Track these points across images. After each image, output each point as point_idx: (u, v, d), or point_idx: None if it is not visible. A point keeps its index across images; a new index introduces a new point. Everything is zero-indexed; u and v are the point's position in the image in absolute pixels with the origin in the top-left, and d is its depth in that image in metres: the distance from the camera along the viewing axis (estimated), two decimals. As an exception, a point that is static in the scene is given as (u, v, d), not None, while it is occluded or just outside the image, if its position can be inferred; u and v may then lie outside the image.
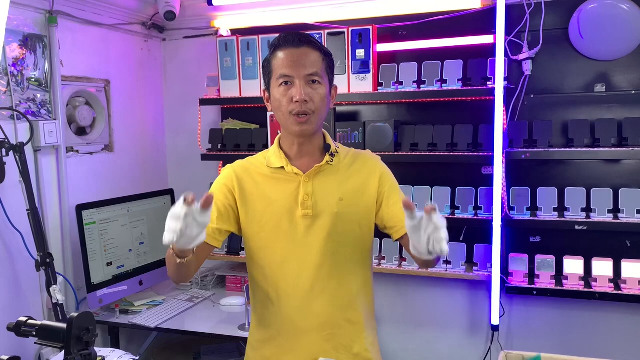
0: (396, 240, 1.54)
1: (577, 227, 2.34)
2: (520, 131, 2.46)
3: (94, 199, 2.58)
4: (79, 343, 1.13)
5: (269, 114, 2.77)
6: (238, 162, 1.59)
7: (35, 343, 1.20)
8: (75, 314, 1.13)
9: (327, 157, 1.51)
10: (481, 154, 2.45)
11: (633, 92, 2.40)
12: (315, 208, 1.48)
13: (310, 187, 1.49)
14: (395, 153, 2.57)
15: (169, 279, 2.95)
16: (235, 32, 2.91)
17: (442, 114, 2.64)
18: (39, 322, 1.20)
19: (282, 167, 1.51)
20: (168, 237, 1.17)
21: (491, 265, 2.43)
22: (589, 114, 2.45)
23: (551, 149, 2.39)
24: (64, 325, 1.13)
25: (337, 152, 1.55)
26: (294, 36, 1.45)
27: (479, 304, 2.68)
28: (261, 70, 1.57)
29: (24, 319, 1.21)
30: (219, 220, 1.50)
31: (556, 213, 2.42)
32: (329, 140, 1.56)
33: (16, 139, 2.27)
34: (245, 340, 1.77)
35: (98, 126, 2.81)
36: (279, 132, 1.58)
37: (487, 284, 2.51)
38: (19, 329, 1.20)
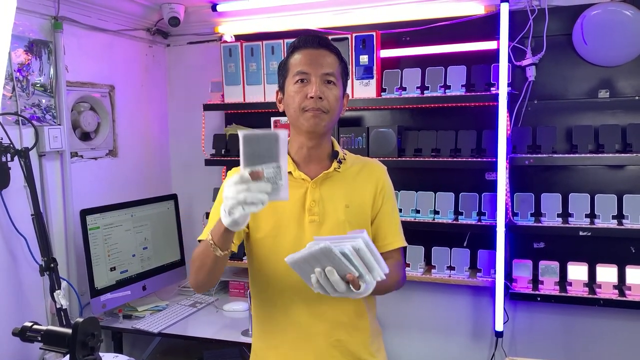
0: None
1: (581, 233, 2.33)
2: (524, 137, 2.46)
3: (98, 203, 2.58)
4: (84, 348, 1.12)
5: (272, 119, 2.77)
6: None
7: (40, 348, 1.20)
8: (81, 319, 1.12)
9: (335, 164, 1.51)
10: (485, 159, 2.45)
11: (637, 97, 2.40)
12: (322, 214, 1.48)
13: (317, 193, 1.49)
14: (399, 158, 2.58)
15: (173, 284, 2.96)
16: (239, 37, 2.92)
17: (445, 119, 2.65)
18: (44, 327, 1.19)
19: (290, 173, 1.49)
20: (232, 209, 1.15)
21: (495, 271, 2.43)
22: (593, 119, 2.45)
23: (555, 155, 2.39)
24: (69, 331, 1.13)
25: (345, 159, 1.55)
26: (313, 38, 1.48)
27: (483, 310, 2.68)
28: (276, 72, 1.57)
29: (29, 324, 1.21)
30: None
31: (560, 219, 2.42)
32: (337, 147, 1.56)
33: (21, 144, 2.28)
34: (248, 345, 1.76)
35: (102, 131, 2.81)
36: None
37: (491, 289, 2.50)
38: (24, 334, 1.20)
